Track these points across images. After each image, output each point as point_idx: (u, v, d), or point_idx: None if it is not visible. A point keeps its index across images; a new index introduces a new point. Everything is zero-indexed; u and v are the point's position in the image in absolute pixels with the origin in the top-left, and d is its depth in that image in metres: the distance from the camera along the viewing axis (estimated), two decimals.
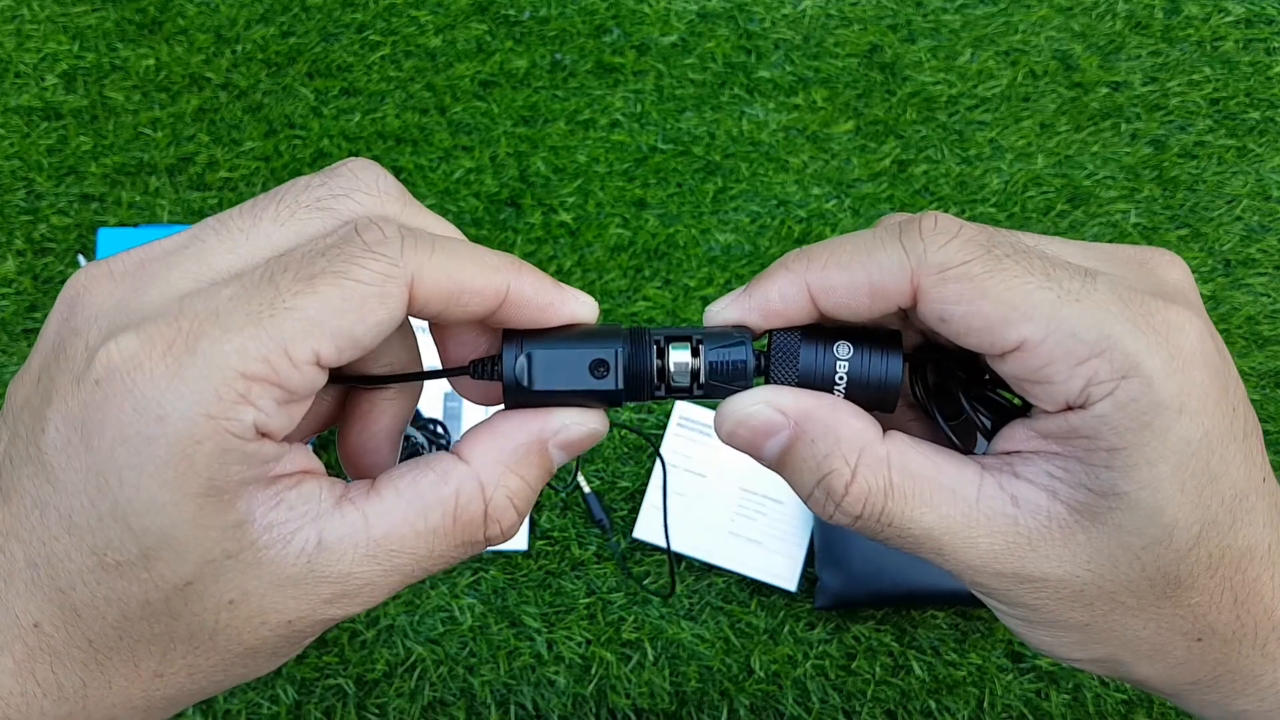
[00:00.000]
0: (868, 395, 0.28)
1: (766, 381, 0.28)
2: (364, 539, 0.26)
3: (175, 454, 0.23)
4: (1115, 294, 0.25)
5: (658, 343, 0.28)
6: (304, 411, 0.25)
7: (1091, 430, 0.25)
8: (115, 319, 0.25)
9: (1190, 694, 0.30)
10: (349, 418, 0.31)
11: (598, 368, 0.28)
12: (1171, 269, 0.28)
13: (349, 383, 0.30)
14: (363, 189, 0.27)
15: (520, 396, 0.28)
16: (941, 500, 0.27)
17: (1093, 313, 0.25)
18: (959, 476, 0.27)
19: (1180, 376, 0.25)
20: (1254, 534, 0.27)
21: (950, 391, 0.30)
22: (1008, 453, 0.28)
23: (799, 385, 0.28)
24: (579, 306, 0.28)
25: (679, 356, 0.28)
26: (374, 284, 0.24)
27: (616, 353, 0.28)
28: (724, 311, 0.29)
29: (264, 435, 0.24)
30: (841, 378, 0.28)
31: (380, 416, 0.30)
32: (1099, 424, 0.25)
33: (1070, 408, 0.26)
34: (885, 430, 0.28)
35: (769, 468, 0.29)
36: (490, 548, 0.28)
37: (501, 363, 0.28)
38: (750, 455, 0.29)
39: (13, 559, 0.24)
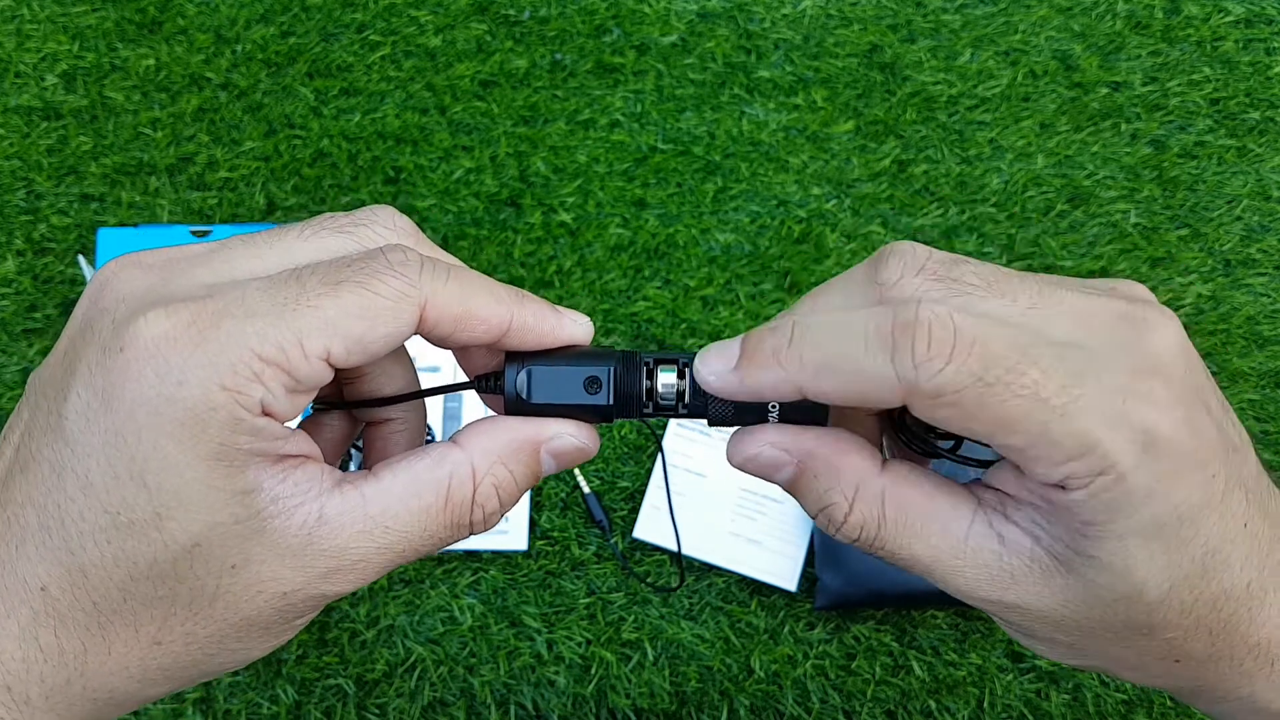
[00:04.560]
0: (800, 415, 0.30)
1: (705, 406, 0.30)
2: (361, 515, 0.27)
3: (191, 416, 0.25)
4: (1101, 396, 0.26)
5: (647, 364, 0.31)
6: (307, 403, 0.27)
7: (1066, 505, 0.27)
8: (144, 300, 0.26)
9: (1175, 695, 0.32)
10: (365, 453, 0.33)
11: (591, 384, 0.30)
12: (1165, 333, 0.28)
13: (368, 404, 0.32)
14: (381, 223, 0.30)
15: (520, 408, 0.30)
16: (932, 533, 0.29)
17: (1076, 424, 0.26)
18: (952, 513, 0.29)
19: (1152, 466, 0.26)
20: (1230, 579, 0.28)
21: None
22: (1003, 492, 0.29)
23: (735, 408, 0.30)
24: (575, 329, 0.31)
25: (666, 378, 0.31)
26: (391, 299, 0.26)
27: (609, 371, 0.30)
28: (715, 382, 0.29)
29: (269, 415, 0.26)
30: (774, 404, 0.30)
31: (394, 449, 0.33)
32: (1073, 504, 0.26)
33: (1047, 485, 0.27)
34: (887, 461, 0.30)
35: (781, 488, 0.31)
36: (473, 535, 0.30)
37: (503, 379, 0.30)
38: (764, 479, 0.31)
39: (26, 525, 0.26)
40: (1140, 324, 0.28)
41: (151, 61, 0.89)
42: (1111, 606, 0.28)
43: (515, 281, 0.84)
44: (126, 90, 0.89)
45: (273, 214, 0.86)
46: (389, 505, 0.28)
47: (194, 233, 0.82)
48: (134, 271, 0.27)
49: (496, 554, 0.79)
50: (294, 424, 0.29)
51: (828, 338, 0.27)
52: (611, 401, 0.30)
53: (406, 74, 0.90)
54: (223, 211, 0.86)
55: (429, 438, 0.78)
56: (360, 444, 0.34)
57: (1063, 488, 0.27)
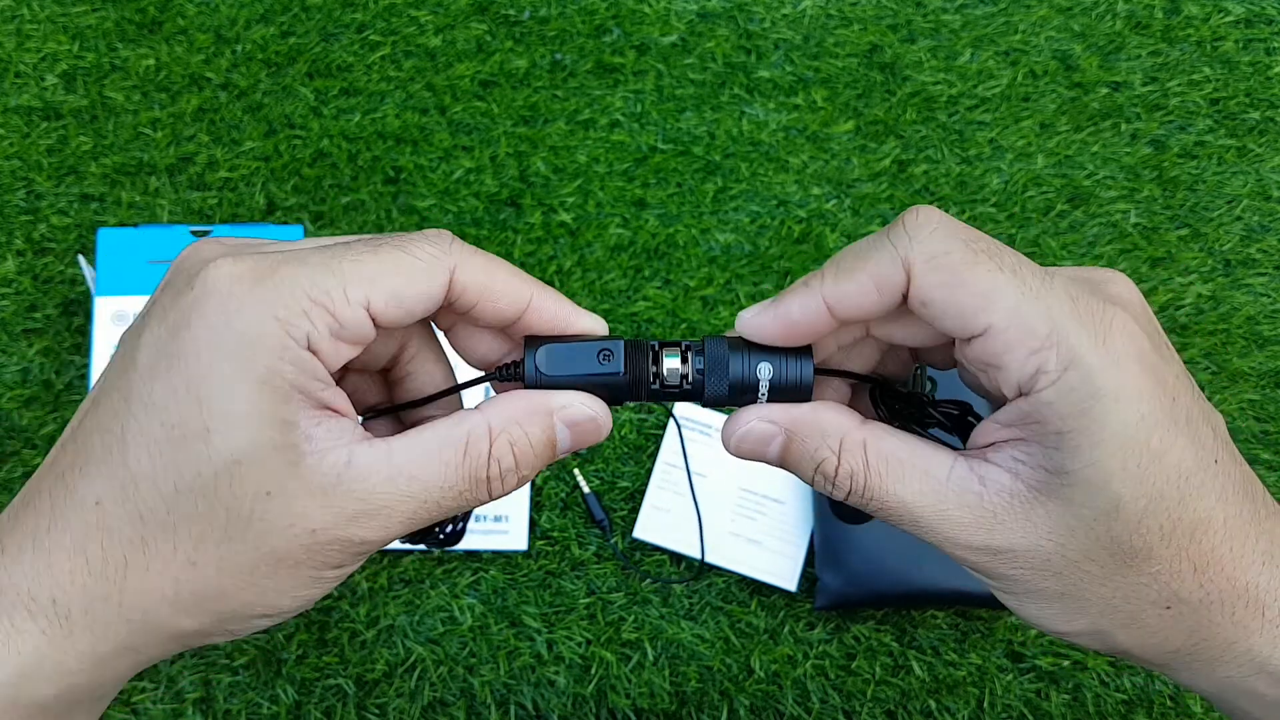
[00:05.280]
0: (786, 396, 0.33)
1: (703, 387, 0.34)
2: (386, 464, 0.30)
3: (243, 342, 0.28)
4: (1068, 294, 0.29)
5: (652, 349, 0.34)
6: (350, 354, 0.31)
7: (1040, 416, 0.29)
8: (216, 255, 0.30)
9: (1175, 664, 0.33)
10: None
11: (604, 356, 0.33)
12: (1121, 286, 0.32)
13: (399, 409, 0.36)
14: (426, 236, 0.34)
15: (539, 383, 0.33)
16: (915, 478, 0.31)
17: (1048, 309, 0.29)
18: (933, 459, 0.32)
19: (1116, 369, 0.28)
20: (1206, 507, 0.30)
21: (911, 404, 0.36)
22: (983, 446, 0.32)
23: (730, 389, 0.33)
24: (591, 321, 0.34)
25: (671, 362, 0.33)
26: (425, 260, 0.31)
27: (621, 345, 0.33)
28: (753, 320, 0.33)
29: (313, 351, 0.29)
30: (765, 381, 0.33)
31: None
32: (1046, 410, 0.29)
33: (1022, 393, 0.30)
34: (865, 420, 0.33)
35: (776, 466, 0.34)
36: (491, 496, 0.33)
37: (521, 365, 0.33)
38: (759, 460, 0.34)
39: (90, 450, 0.29)
40: (1102, 278, 0.32)
41: (151, 61, 0.89)
42: (1092, 528, 0.29)
43: None
44: (126, 90, 0.89)
45: (273, 214, 0.86)
46: (413, 457, 0.30)
47: (194, 233, 0.82)
48: (212, 244, 0.31)
49: (496, 554, 0.79)
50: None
51: (842, 255, 0.32)
52: (623, 370, 0.32)
53: (406, 74, 0.90)
54: (223, 211, 0.86)
55: None
56: None
57: (1031, 393, 0.29)
